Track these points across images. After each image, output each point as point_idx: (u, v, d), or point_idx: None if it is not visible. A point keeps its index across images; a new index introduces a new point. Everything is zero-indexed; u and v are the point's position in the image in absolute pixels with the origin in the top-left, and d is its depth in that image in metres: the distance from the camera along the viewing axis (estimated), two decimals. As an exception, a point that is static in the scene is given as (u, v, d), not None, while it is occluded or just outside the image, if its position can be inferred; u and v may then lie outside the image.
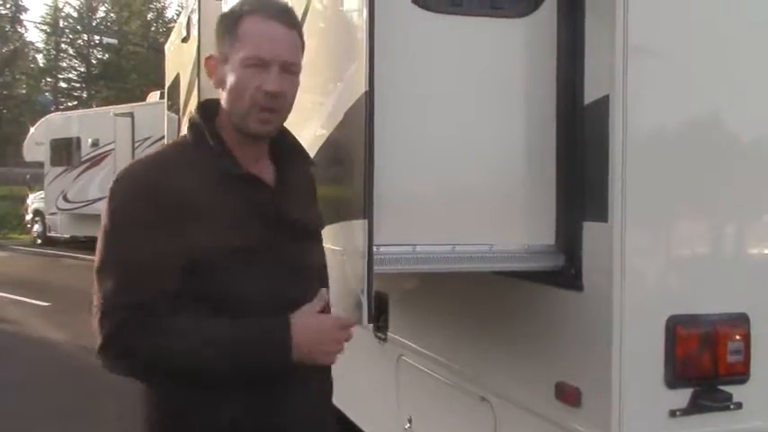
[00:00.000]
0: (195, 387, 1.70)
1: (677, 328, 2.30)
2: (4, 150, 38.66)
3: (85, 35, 46.47)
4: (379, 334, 3.74)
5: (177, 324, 1.67)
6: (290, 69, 1.77)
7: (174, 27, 10.14)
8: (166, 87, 7.80)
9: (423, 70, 2.39)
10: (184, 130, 1.89)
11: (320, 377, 1.90)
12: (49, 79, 47.37)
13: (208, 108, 1.84)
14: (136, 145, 16.55)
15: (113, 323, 1.65)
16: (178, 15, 39.74)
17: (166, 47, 7.97)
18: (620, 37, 2.27)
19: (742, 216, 2.46)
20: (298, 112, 2.83)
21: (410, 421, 3.52)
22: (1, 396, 6.76)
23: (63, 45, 47.25)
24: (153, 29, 48.01)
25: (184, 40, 6.09)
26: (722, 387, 2.34)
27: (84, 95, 46.24)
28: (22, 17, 47.08)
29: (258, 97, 1.73)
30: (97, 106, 30.36)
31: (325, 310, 1.84)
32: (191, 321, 1.68)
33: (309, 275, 1.90)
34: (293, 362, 1.70)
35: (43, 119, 21.81)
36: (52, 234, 20.18)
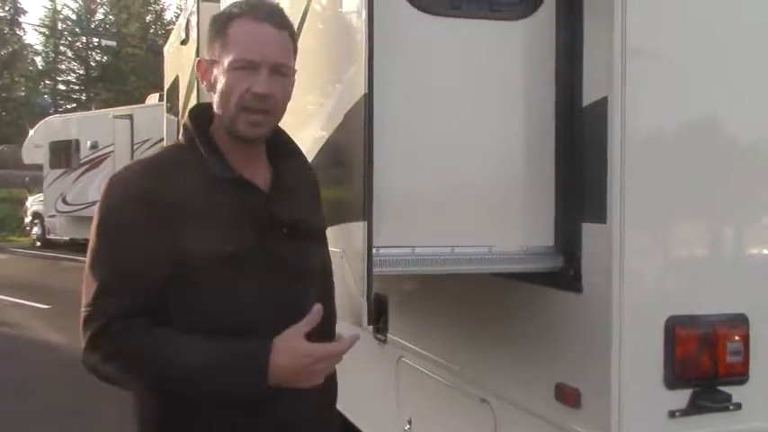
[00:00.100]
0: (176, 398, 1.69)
1: (676, 329, 2.31)
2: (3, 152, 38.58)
3: (84, 37, 46.45)
4: (378, 335, 3.74)
5: (153, 341, 1.64)
6: (280, 71, 1.74)
7: (172, 29, 10.15)
8: (165, 89, 7.81)
9: (422, 73, 2.40)
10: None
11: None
12: (47, 81, 47.36)
13: (203, 111, 1.83)
14: (135, 147, 16.54)
15: (94, 328, 1.64)
16: (177, 17, 39.76)
17: (165, 49, 7.98)
18: (618, 39, 2.28)
19: (740, 217, 2.47)
20: (298, 113, 2.83)
21: (410, 423, 3.53)
22: (1, 398, 6.76)
23: (62, 47, 47.23)
24: (152, 31, 47.99)
25: (183, 42, 6.10)
26: (721, 388, 2.35)
27: (83, 98, 46.23)
28: (20, 19, 47.13)
29: (247, 99, 1.70)
30: (96, 108, 30.40)
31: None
32: (166, 340, 1.64)
33: (309, 279, 1.88)
34: (270, 387, 1.63)
35: (42, 121, 21.81)
36: (51, 236, 20.17)
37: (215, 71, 1.76)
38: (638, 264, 2.31)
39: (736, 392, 2.35)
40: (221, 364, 1.63)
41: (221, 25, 1.75)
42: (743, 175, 2.44)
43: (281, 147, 1.89)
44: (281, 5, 3.29)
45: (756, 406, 2.38)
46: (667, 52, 2.35)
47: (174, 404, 1.70)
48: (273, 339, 1.64)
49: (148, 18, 48.62)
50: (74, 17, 47.00)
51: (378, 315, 3.63)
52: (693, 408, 2.33)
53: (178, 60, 6.60)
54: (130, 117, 17.29)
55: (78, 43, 47.14)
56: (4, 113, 43.82)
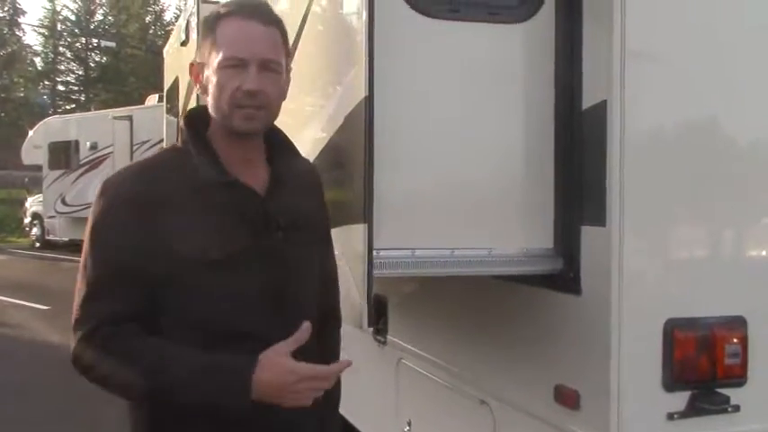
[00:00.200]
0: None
1: (675, 332, 2.31)
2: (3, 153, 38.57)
3: (83, 38, 46.47)
4: (378, 337, 3.75)
5: (141, 347, 1.64)
6: (270, 67, 1.72)
7: (172, 30, 10.14)
8: (165, 90, 7.81)
9: (421, 76, 2.41)
10: None
11: None
12: (47, 82, 47.35)
13: (200, 114, 1.81)
14: (134, 148, 16.55)
15: (83, 332, 1.65)
16: (176, 18, 39.76)
17: (165, 50, 7.99)
18: (617, 42, 2.28)
19: (739, 220, 2.48)
20: (298, 115, 2.84)
21: (409, 424, 3.53)
22: (0, 399, 6.76)
23: (61, 48, 47.25)
24: (151, 32, 48.00)
25: (183, 43, 6.10)
26: (720, 390, 2.36)
27: (83, 98, 46.23)
28: (19, 20, 47.17)
29: (238, 97, 1.70)
30: (95, 109, 30.37)
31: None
32: (154, 347, 1.64)
33: (309, 280, 1.87)
34: (254, 402, 1.61)
35: (41, 122, 21.79)
36: (51, 237, 20.17)
37: (206, 72, 1.75)
38: (637, 266, 2.32)
39: (734, 395, 2.36)
40: (205, 376, 1.62)
41: (210, 26, 1.75)
42: (742, 177, 2.45)
43: (279, 148, 1.88)
44: (282, 7, 3.31)
45: (755, 408, 2.39)
46: (666, 55, 2.35)
47: (166, 411, 1.69)
48: (260, 355, 1.63)
49: (148, 19, 48.65)
50: (73, 18, 47.05)
51: (377, 317, 3.64)
52: (692, 410, 2.33)
53: (178, 61, 6.60)
54: (130, 118, 17.29)
55: (77, 44, 47.15)
56: (2, 114, 43.80)
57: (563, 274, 2.46)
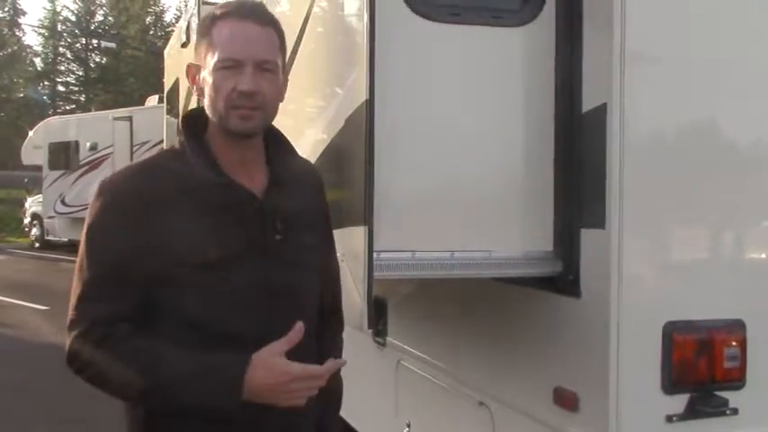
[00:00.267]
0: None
1: (674, 334, 2.32)
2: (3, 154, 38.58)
3: (84, 39, 46.47)
4: (378, 339, 3.75)
5: (134, 348, 1.63)
6: (266, 67, 1.71)
7: (172, 31, 10.15)
8: (166, 92, 7.82)
9: (422, 79, 2.42)
10: None
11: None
12: (46, 83, 47.35)
13: (197, 116, 1.80)
14: (134, 149, 16.54)
15: (77, 332, 1.65)
16: (176, 19, 39.70)
17: (166, 52, 8.00)
18: (617, 46, 2.29)
19: (738, 223, 2.49)
20: (300, 116, 2.85)
21: (408, 426, 3.54)
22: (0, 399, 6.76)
23: (61, 49, 47.25)
24: (151, 33, 47.99)
25: (184, 45, 6.11)
26: (718, 393, 2.36)
27: (82, 99, 46.22)
28: (20, 20, 47.19)
29: (234, 98, 1.69)
30: (95, 110, 30.37)
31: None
32: (147, 348, 1.64)
33: (307, 281, 1.85)
34: (244, 402, 1.61)
35: (42, 122, 21.79)
36: (50, 237, 20.15)
37: (202, 74, 1.75)
38: (636, 269, 2.33)
39: (732, 398, 2.37)
40: (197, 375, 1.61)
41: (205, 28, 1.75)
42: (741, 181, 2.46)
43: (278, 148, 1.87)
44: (284, 9, 3.32)
45: (753, 411, 2.40)
46: (666, 59, 2.36)
47: (161, 410, 1.69)
48: (251, 354, 1.63)
49: (148, 20, 48.62)
50: (73, 18, 47.02)
51: (377, 318, 3.64)
52: (690, 412, 2.34)
53: (179, 63, 6.60)
54: (130, 119, 17.28)
55: (78, 45, 47.14)
56: (2, 114, 43.79)
57: (563, 276, 2.47)
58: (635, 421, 2.31)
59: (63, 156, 19.11)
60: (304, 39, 2.94)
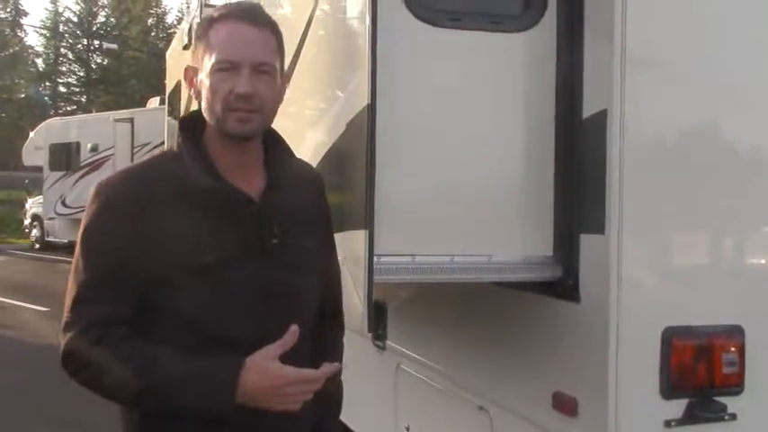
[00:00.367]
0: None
1: (673, 340, 2.32)
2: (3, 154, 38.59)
3: (85, 40, 46.51)
4: (377, 342, 3.75)
5: (128, 351, 1.63)
6: (263, 70, 1.70)
7: (174, 33, 10.17)
8: (167, 94, 7.82)
9: (423, 84, 2.42)
10: None
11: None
12: (48, 83, 47.38)
13: (195, 119, 1.80)
14: (135, 150, 16.54)
15: (71, 334, 1.66)
16: (178, 21, 39.70)
17: (167, 53, 8.01)
18: (618, 51, 2.30)
19: (738, 229, 2.49)
20: (301, 119, 2.85)
21: (408, 429, 3.54)
22: (-1, 400, 6.77)
23: (63, 50, 47.31)
24: (153, 34, 48.08)
25: (186, 47, 6.11)
26: (717, 398, 2.36)
27: (83, 100, 46.25)
28: (22, 21, 47.25)
29: (231, 101, 1.68)
30: (96, 111, 30.37)
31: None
32: (141, 351, 1.64)
33: (306, 283, 1.84)
34: (238, 405, 1.61)
35: (43, 123, 21.78)
36: (51, 239, 20.14)
37: (200, 76, 1.74)
38: (635, 274, 2.33)
39: (731, 403, 2.37)
40: (191, 378, 1.61)
41: (203, 30, 1.74)
42: (740, 187, 2.46)
43: (276, 151, 1.85)
44: (286, 12, 3.33)
45: (751, 417, 2.40)
46: (667, 65, 2.37)
47: (157, 413, 1.69)
48: (246, 358, 1.62)
49: (150, 21, 48.72)
50: (75, 19, 47.10)
51: (377, 322, 3.64)
52: (689, 418, 2.34)
53: (180, 65, 6.59)
54: (131, 120, 17.29)
55: (79, 45, 47.20)
56: (3, 115, 43.81)
57: (562, 281, 2.48)
58: (634, 426, 2.32)
59: (64, 157, 19.10)
60: (306, 42, 2.95)
